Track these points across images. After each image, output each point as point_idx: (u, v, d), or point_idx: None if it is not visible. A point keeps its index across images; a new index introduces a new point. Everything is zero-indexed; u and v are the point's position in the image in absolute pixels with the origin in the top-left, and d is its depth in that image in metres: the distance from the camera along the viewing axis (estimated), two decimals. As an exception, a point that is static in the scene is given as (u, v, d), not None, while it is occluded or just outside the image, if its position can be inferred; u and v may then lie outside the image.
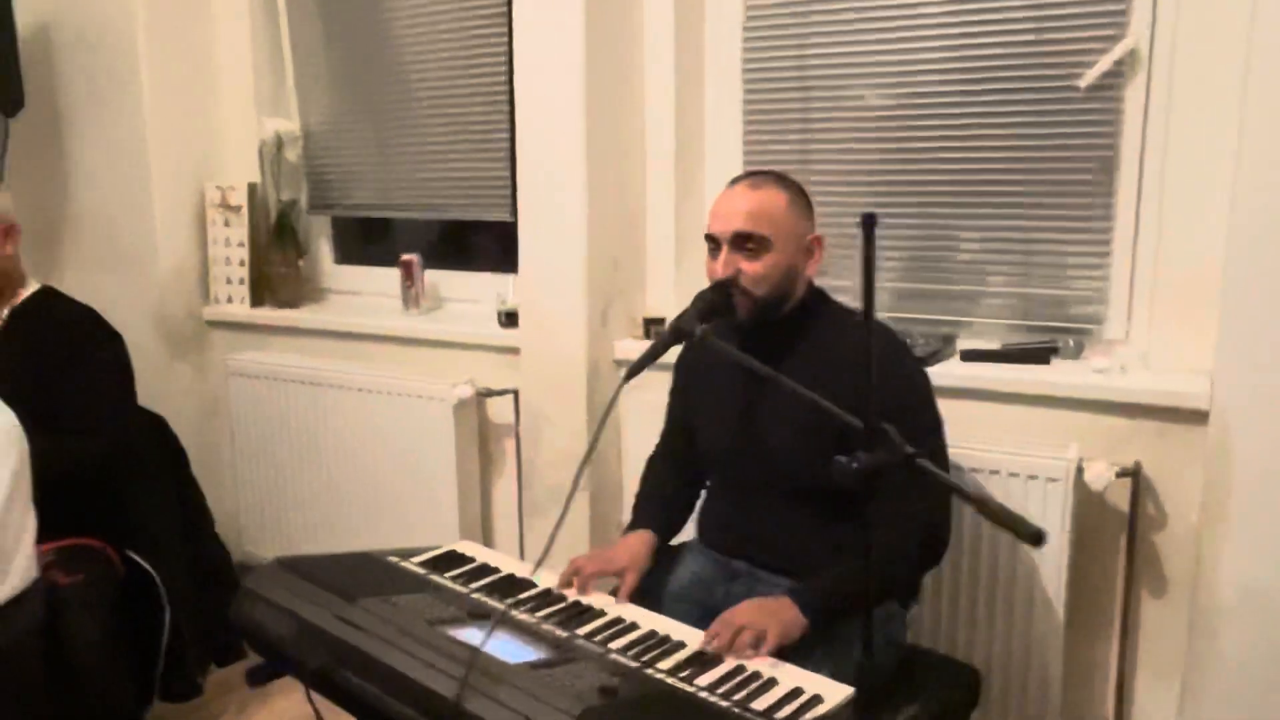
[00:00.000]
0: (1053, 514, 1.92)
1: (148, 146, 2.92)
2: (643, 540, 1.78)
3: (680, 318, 1.59)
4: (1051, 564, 1.94)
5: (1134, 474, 1.95)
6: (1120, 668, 2.05)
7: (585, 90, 2.31)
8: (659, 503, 1.89)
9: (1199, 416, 1.86)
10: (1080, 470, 1.92)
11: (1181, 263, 1.99)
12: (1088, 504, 1.99)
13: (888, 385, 1.61)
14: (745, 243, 1.65)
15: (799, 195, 1.71)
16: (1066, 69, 2.08)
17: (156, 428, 2.34)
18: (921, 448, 1.46)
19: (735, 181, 1.72)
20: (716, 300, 1.62)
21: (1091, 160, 2.10)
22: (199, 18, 2.99)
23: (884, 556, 1.59)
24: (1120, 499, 1.98)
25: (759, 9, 2.38)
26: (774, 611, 1.50)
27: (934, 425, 1.68)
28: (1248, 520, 1.76)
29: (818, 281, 1.78)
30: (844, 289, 2.32)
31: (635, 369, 1.55)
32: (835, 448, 1.60)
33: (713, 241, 1.69)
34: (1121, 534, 2.00)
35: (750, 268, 1.65)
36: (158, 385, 2.98)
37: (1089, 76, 2.05)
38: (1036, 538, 0.96)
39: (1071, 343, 2.14)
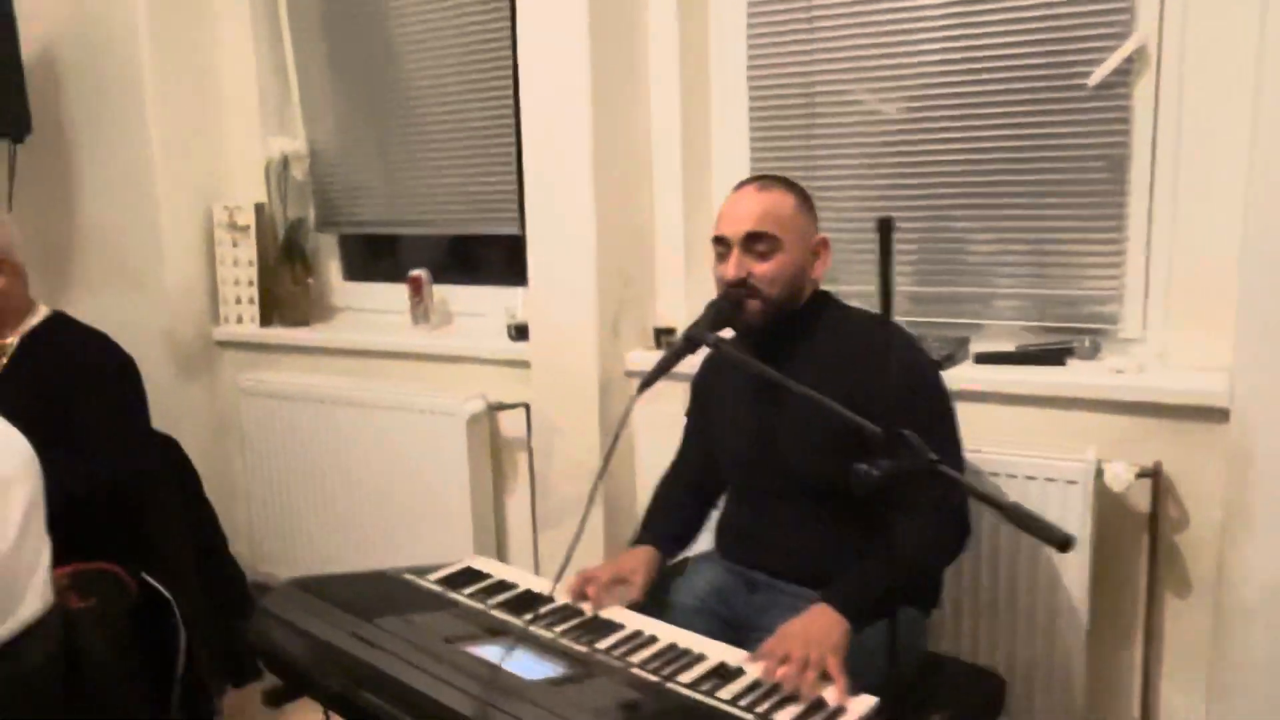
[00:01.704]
0: (1072, 516, 1.90)
1: (154, 167, 2.92)
2: (647, 552, 1.77)
3: (693, 326, 1.58)
4: (1073, 567, 1.92)
5: (1154, 474, 1.93)
6: (1145, 670, 2.02)
7: (592, 102, 2.30)
8: (664, 519, 1.88)
9: (1219, 414, 1.84)
10: (1100, 472, 1.90)
11: (1196, 260, 1.97)
12: (1108, 505, 1.97)
13: (904, 386, 1.61)
14: (756, 244, 1.64)
15: (804, 198, 1.71)
16: (1075, 67, 2.07)
17: (169, 450, 2.33)
18: (939, 449, 1.47)
19: (741, 185, 1.72)
20: (727, 308, 1.62)
21: (1103, 158, 2.08)
22: (203, 37, 3.00)
23: (911, 552, 1.58)
24: (1141, 500, 1.96)
25: (762, 18, 2.37)
26: (824, 634, 1.43)
27: (952, 425, 1.67)
28: (1271, 518, 1.74)
29: (828, 286, 1.78)
30: (855, 294, 2.31)
31: (650, 379, 1.54)
32: (852, 452, 1.59)
33: (722, 244, 1.68)
34: (1143, 535, 1.97)
35: (761, 269, 1.65)
36: (168, 406, 2.98)
37: (1098, 74, 2.04)
38: (1065, 543, 0.94)
39: (1087, 343, 2.12)
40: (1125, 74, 2.03)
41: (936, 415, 1.63)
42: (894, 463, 1.03)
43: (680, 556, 1.89)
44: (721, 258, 1.68)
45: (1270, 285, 1.73)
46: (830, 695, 1.34)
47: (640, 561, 1.75)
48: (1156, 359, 2.03)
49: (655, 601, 1.74)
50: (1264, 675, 1.80)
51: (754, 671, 1.41)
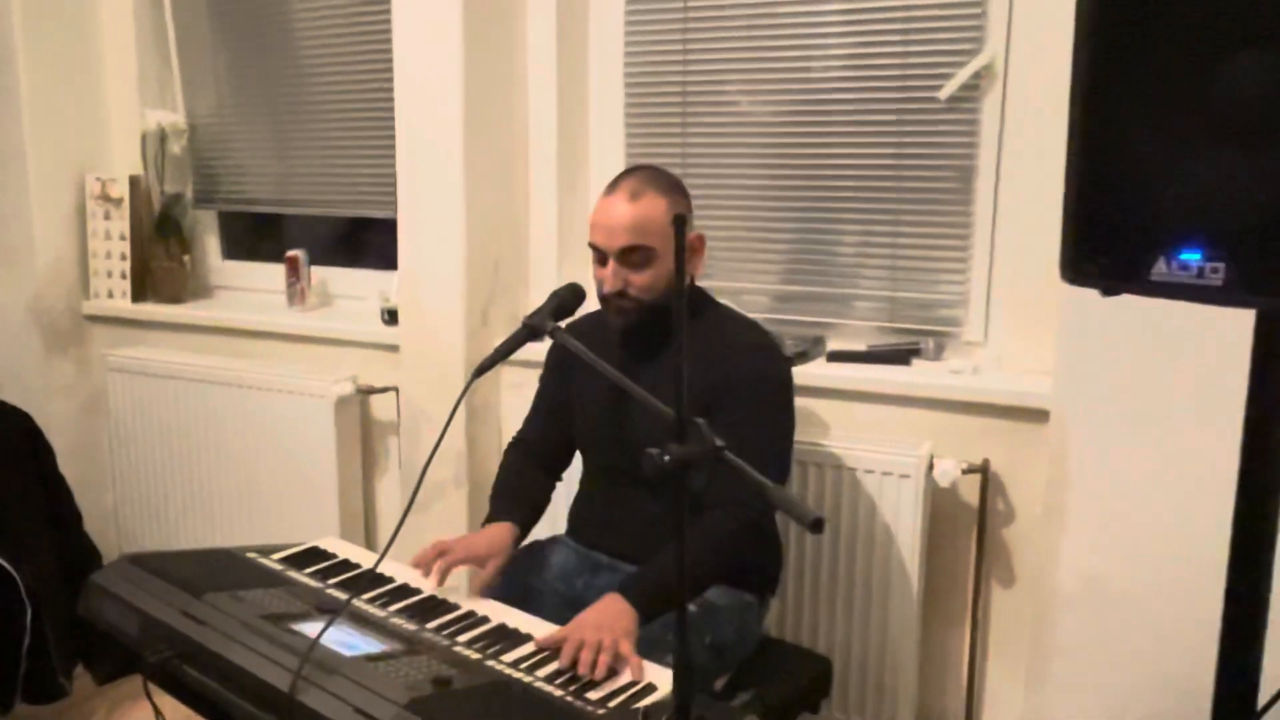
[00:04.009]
0: (905, 508, 1.99)
1: (24, 135, 2.84)
2: (506, 530, 1.79)
3: (534, 314, 1.62)
4: (906, 558, 2.01)
5: (983, 471, 2.03)
6: (971, 657, 2.13)
7: (464, 87, 2.32)
8: (518, 492, 1.90)
9: (1041, 416, 1.95)
10: (930, 467, 2.00)
11: (1033, 268, 2.07)
12: (941, 499, 2.07)
13: (744, 375, 1.68)
14: (631, 255, 1.69)
15: (678, 194, 1.74)
16: (929, 80, 2.16)
17: (19, 422, 2.28)
18: (759, 436, 1.53)
19: (614, 187, 1.73)
20: (569, 298, 1.66)
21: (953, 169, 2.18)
22: (79, 3, 2.92)
23: (703, 541, 1.61)
24: (971, 495, 2.06)
25: (640, 13, 2.42)
26: (613, 620, 1.48)
27: (772, 416, 1.72)
28: (1084, 514, 1.85)
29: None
30: (724, 289, 2.38)
31: (486, 365, 1.57)
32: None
33: (598, 251, 1.72)
34: (972, 528, 2.08)
35: (638, 279, 1.70)
36: (35, 381, 2.92)
37: (948, 88, 2.13)
38: (814, 524, 1.00)
39: (933, 345, 2.21)
40: (974, 89, 2.13)
41: (765, 406, 1.69)
42: (684, 448, 1.08)
43: (532, 531, 1.91)
44: (599, 262, 1.73)
45: (1089, 295, 1.83)
46: (627, 675, 1.40)
47: (497, 543, 1.76)
48: (995, 362, 2.13)
49: (510, 584, 1.77)
50: (1077, 661, 1.91)
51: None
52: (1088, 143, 0.86)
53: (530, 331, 1.60)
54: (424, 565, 1.70)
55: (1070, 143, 0.87)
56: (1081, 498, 1.85)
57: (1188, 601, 1.76)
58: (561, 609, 1.72)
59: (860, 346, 2.25)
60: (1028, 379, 2.03)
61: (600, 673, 1.39)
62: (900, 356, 2.19)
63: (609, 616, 1.48)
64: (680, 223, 1.05)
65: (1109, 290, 0.91)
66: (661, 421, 1.68)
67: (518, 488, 1.92)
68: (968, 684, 2.14)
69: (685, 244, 1.10)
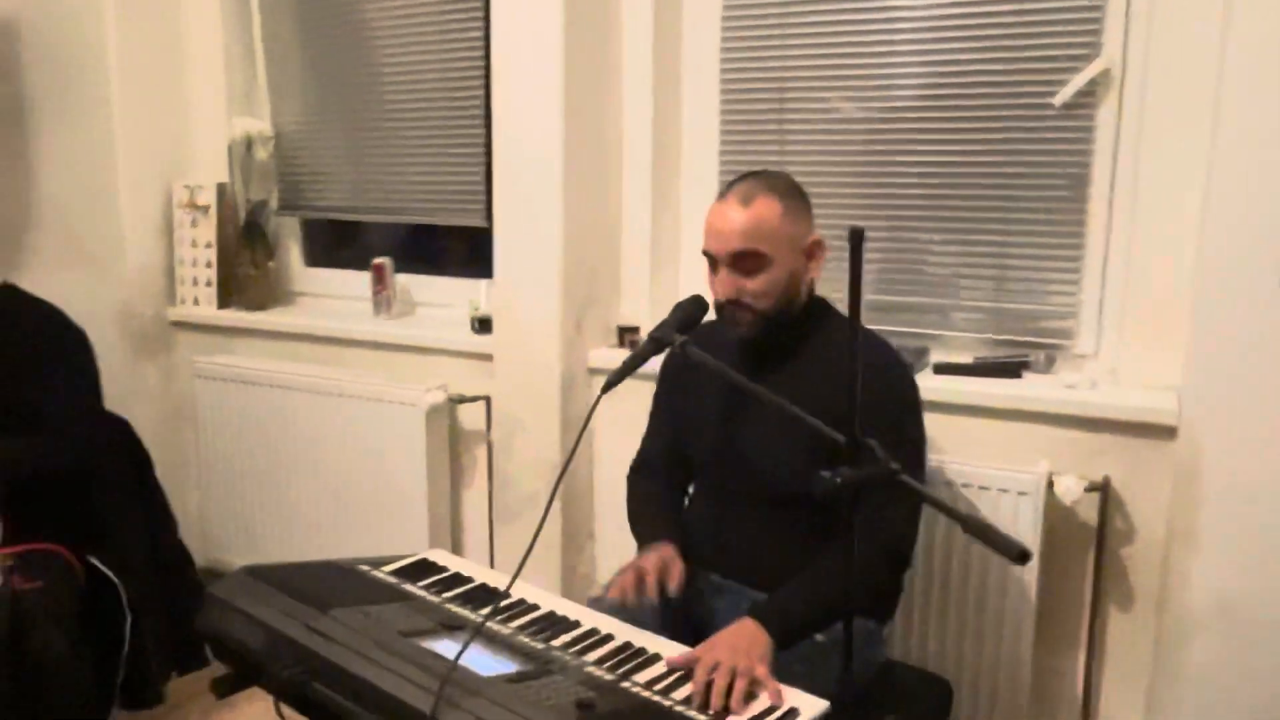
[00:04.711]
0: (1024, 527, 1.94)
1: (115, 144, 2.87)
2: (672, 547, 1.70)
3: (660, 327, 1.58)
4: (1022, 577, 1.96)
5: (1103, 488, 1.97)
6: (1087, 678, 2.07)
7: (563, 99, 2.30)
8: (664, 519, 1.81)
9: (1167, 432, 1.89)
10: (1050, 484, 1.94)
11: (1150, 280, 2.02)
12: (1058, 517, 2.01)
13: (877, 396, 1.62)
14: (743, 261, 1.63)
15: (794, 198, 1.67)
16: (1042, 86, 2.10)
17: (121, 431, 2.29)
18: (902, 460, 1.48)
19: (727, 191, 1.67)
20: (693, 310, 1.62)
21: (1065, 177, 2.12)
22: (169, 14, 2.95)
23: (842, 579, 1.57)
24: (1089, 513, 2.00)
25: (736, 20, 2.38)
26: (749, 644, 1.44)
27: (917, 438, 1.68)
28: (1217, 534, 1.79)
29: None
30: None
31: (615, 379, 1.53)
32: (819, 458, 1.60)
33: (710, 258, 1.67)
34: (1090, 547, 2.02)
35: (751, 285, 1.64)
36: (122, 386, 2.93)
37: (1063, 95, 2.08)
38: (1021, 556, 0.96)
39: (1043, 357, 2.16)
40: (1090, 95, 2.07)
41: (906, 434, 1.63)
42: (857, 471, 1.04)
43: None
44: (712, 270, 1.68)
45: (1223, 307, 1.77)
46: (766, 699, 1.36)
47: (675, 553, 1.68)
48: (1108, 375, 2.07)
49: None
50: (1202, 688, 1.85)
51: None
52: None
53: (657, 344, 1.57)
54: (627, 591, 1.62)
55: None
56: (1215, 517, 1.79)
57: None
58: (683, 631, 1.68)
59: (964, 359, 2.20)
60: (1149, 394, 1.97)
61: (737, 699, 1.35)
62: (1010, 369, 2.13)
63: (744, 640, 1.44)
64: (858, 239, 1.01)
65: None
66: (783, 437, 1.65)
67: (661, 514, 1.82)
68: (1083, 705, 2.08)
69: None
